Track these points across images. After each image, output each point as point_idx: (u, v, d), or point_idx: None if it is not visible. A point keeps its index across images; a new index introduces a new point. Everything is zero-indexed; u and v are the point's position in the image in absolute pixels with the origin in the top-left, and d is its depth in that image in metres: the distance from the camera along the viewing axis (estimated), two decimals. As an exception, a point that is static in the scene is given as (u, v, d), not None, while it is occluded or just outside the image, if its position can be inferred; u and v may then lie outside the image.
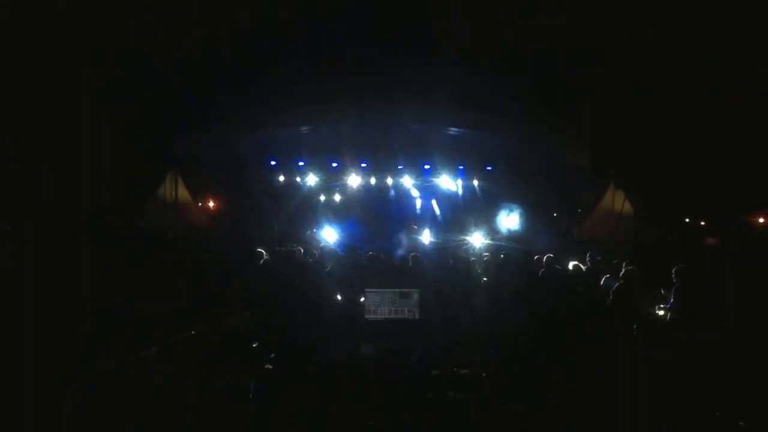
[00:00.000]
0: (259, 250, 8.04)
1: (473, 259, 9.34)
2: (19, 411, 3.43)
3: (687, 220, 12.22)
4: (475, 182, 15.91)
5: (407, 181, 16.10)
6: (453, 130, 13.16)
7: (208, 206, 15.88)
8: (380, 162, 15.61)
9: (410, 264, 8.14)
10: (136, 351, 4.37)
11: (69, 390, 3.61)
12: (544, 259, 8.30)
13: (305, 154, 15.32)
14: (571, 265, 8.33)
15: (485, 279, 8.09)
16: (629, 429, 3.98)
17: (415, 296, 6.24)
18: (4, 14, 7.52)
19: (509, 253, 8.93)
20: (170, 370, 4.23)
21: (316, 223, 13.87)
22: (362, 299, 6.32)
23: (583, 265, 8.48)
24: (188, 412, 3.69)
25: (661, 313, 6.93)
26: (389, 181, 16.15)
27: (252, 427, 3.86)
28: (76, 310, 4.70)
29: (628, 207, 12.58)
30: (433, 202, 16.54)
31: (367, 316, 6.21)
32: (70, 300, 4.87)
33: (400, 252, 10.14)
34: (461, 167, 15.60)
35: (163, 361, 4.32)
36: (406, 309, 6.23)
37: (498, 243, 11.93)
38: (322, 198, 16.49)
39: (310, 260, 8.44)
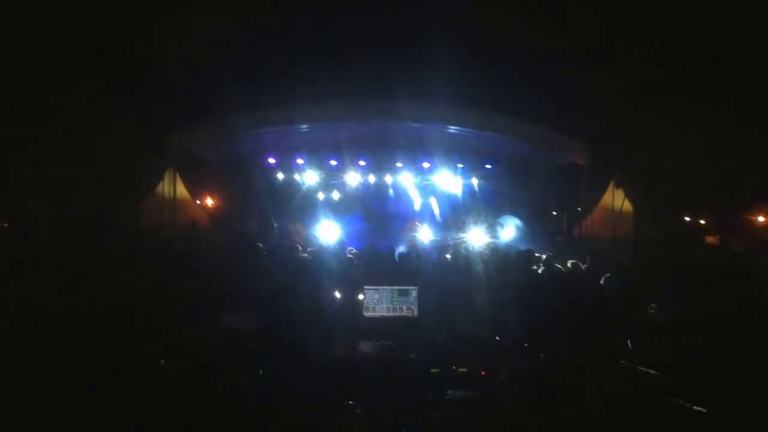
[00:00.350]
0: (258, 245, 8.05)
1: (472, 257, 9.33)
2: (19, 411, 3.43)
3: (687, 218, 12.24)
4: (475, 181, 15.90)
5: (406, 180, 16.07)
6: (453, 129, 13.14)
7: (207, 204, 15.86)
8: (380, 160, 15.60)
9: (409, 262, 8.14)
10: (136, 351, 4.37)
11: (69, 390, 3.60)
12: (544, 258, 8.29)
13: (304, 152, 15.30)
14: (570, 264, 8.32)
15: (484, 278, 8.08)
16: (629, 428, 3.98)
17: (414, 294, 6.23)
18: (4, 14, 7.50)
19: (508, 252, 8.91)
20: (170, 369, 4.23)
21: (315, 221, 13.85)
22: (361, 297, 6.32)
23: (583, 265, 8.48)
24: (188, 411, 3.69)
25: (656, 312, 6.94)
26: (388, 179, 16.12)
27: (252, 428, 3.86)
28: (75, 309, 4.70)
29: (627, 206, 12.59)
30: (433, 201, 16.53)
31: (365, 314, 6.20)
32: (69, 299, 4.86)
33: (399, 249, 10.15)
34: (461, 166, 15.59)
35: (164, 360, 4.32)
36: (404, 307, 6.22)
37: (497, 241, 11.93)
38: (321, 196, 16.47)
39: (309, 258, 8.44)
